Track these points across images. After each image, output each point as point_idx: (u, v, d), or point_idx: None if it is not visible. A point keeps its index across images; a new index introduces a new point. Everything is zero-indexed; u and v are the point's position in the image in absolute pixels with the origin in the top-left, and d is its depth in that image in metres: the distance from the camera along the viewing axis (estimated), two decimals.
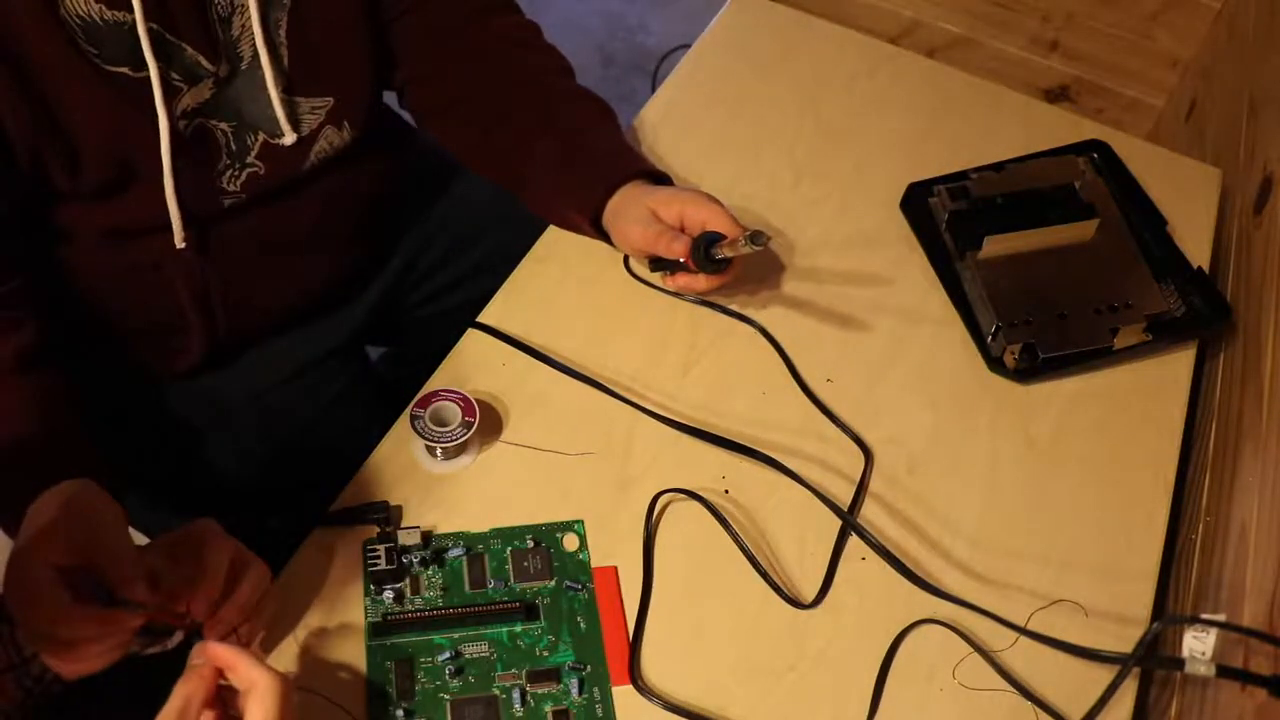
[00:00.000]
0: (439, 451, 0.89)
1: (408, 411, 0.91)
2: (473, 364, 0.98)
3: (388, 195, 1.09)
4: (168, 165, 0.87)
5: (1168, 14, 1.60)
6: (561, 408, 0.95)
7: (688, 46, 1.27)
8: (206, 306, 0.98)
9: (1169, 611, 0.95)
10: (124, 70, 0.84)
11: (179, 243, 0.92)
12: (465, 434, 0.88)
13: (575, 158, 1.01)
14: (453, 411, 0.90)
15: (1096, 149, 1.16)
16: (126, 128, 0.86)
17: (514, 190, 1.05)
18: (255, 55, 0.90)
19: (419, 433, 0.88)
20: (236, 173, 0.93)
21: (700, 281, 0.98)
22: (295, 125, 0.94)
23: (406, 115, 1.15)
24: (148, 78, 0.84)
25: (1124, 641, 0.86)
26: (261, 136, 0.93)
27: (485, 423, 0.91)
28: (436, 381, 0.96)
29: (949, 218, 1.09)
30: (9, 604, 0.69)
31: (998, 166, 1.13)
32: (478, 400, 0.90)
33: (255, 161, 0.93)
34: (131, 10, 0.81)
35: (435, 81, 1.06)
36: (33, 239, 0.90)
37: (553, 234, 1.06)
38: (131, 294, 0.96)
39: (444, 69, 1.05)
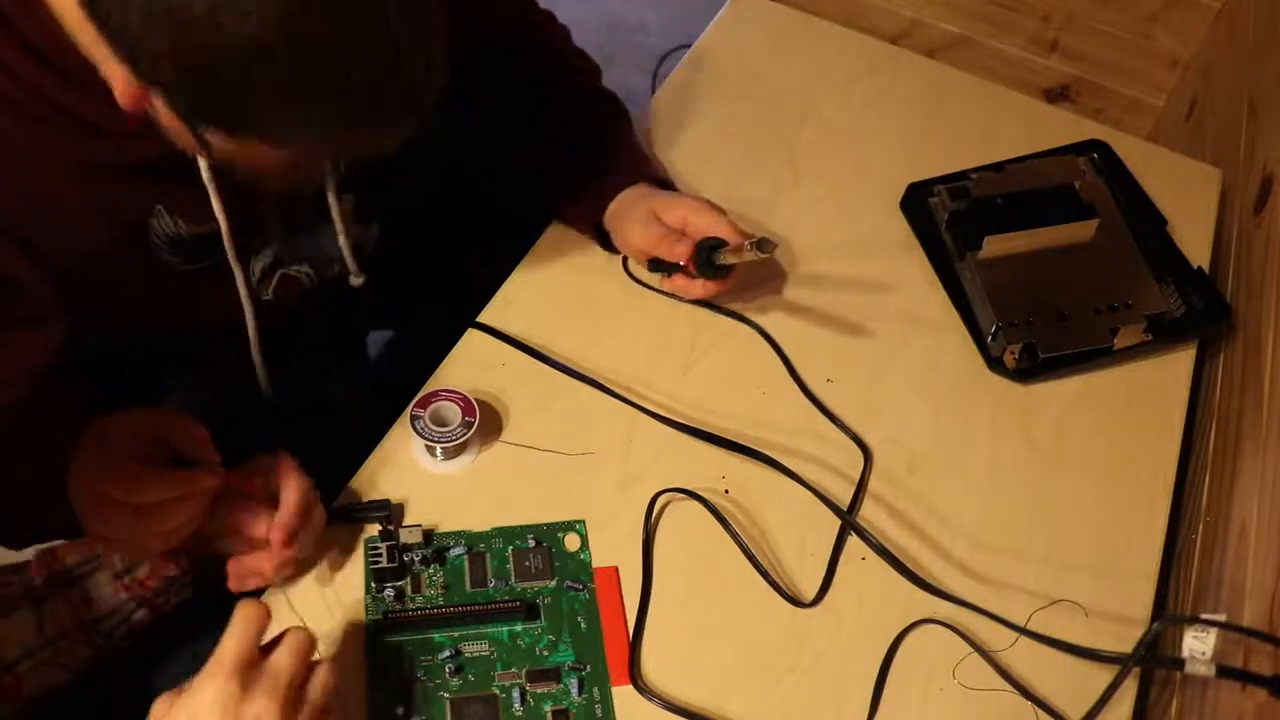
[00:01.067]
0: (439, 451, 0.90)
1: (408, 411, 0.91)
2: (473, 364, 0.98)
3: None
4: (254, 334, 0.89)
5: (1168, 14, 1.60)
6: (561, 408, 0.95)
7: (688, 46, 1.27)
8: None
9: (1169, 611, 0.95)
10: (205, 265, 0.84)
11: (265, 388, 0.95)
12: (465, 434, 0.88)
13: (582, 159, 1.02)
14: (453, 411, 0.90)
15: (1096, 149, 1.16)
16: (206, 306, 0.87)
17: (527, 176, 1.07)
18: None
19: (419, 433, 0.88)
20: (314, 288, 0.95)
21: (696, 287, 0.98)
22: (360, 260, 0.93)
23: None
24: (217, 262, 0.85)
25: (1124, 641, 0.86)
26: (337, 269, 0.93)
27: (485, 423, 0.91)
28: (436, 381, 0.96)
29: (949, 218, 1.09)
30: (84, 486, 0.73)
31: (998, 166, 1.13)
32: (478, 400, 0.90)
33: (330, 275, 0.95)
34: (216, 223, 0.81)
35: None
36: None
37: (553, 234, 1.07)
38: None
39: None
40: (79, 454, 0.74)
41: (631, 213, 0.98)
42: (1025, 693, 0.84)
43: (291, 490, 0.78)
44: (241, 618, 0.66)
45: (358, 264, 0.92)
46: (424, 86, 0.62)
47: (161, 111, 0.64)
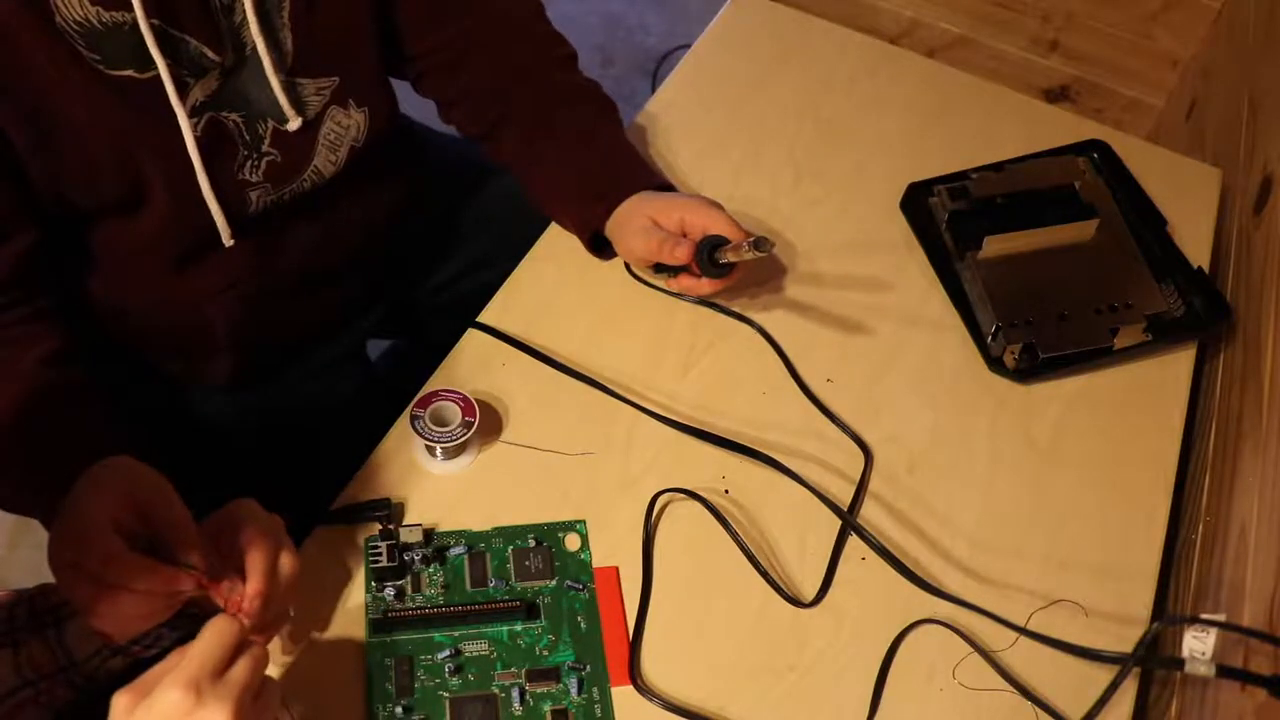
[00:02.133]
0: (439, 451, 0.90)
1: (408, 411, 0.91)
2: (473, 364, 0.98)
3: (409, 216, 1.10)
4: (198, 161, 0.87)
5: (1168, 14, 1.60)
6: (561, 408, 0.95)
7: (688, 46, 1.27)
8: (239, 338, 0.99)
9: (1169, 612, 0.95)
10: (129, 73, 0.82)
11: (226, 240, 0.92)
12: (465, 434, 0.88)
13: (574, 174, 1.02)
14: (453, 411, 0.90)
15: (1096, 149, 1.16)
16: (141, 132, 0.84)
17: (524, 187, 1.06)
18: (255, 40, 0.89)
19: (419, 432, 0.88)
20: (256, 163, 0.92)
21: (704, 285, 0.98)
22: (300, 109, 0.92)
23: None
24: (156, 77, 0.83)
25: (1124, 641, 0.86)
26: (271, 124, 0.92)
27: (485, 423, 0.91)
28: (436, 381, 0.96)
29: (949, 218, 1.09)
30: (60, 547, 0.69)
31: (998, 166, 1.13)
32: (478, 400, 0.90)
33: (270, 150, 0.93)
34: (130, 9, 0.80)
35: (442, 73, 1.06)
36: (64, 260, 0.90)
37: (553, 234, 1.07)
38: (165, 323, 0.97)
39: (451, 60, 1.05)
40: (67, 503, 0.70)
41: (631, 224, 0.98)
42: (1025, 693, 0.84)
43: (256, 567, 0.72)
44: (213, 632, 0.65)
45: (295, 109, 0.91)
46: None
47: None
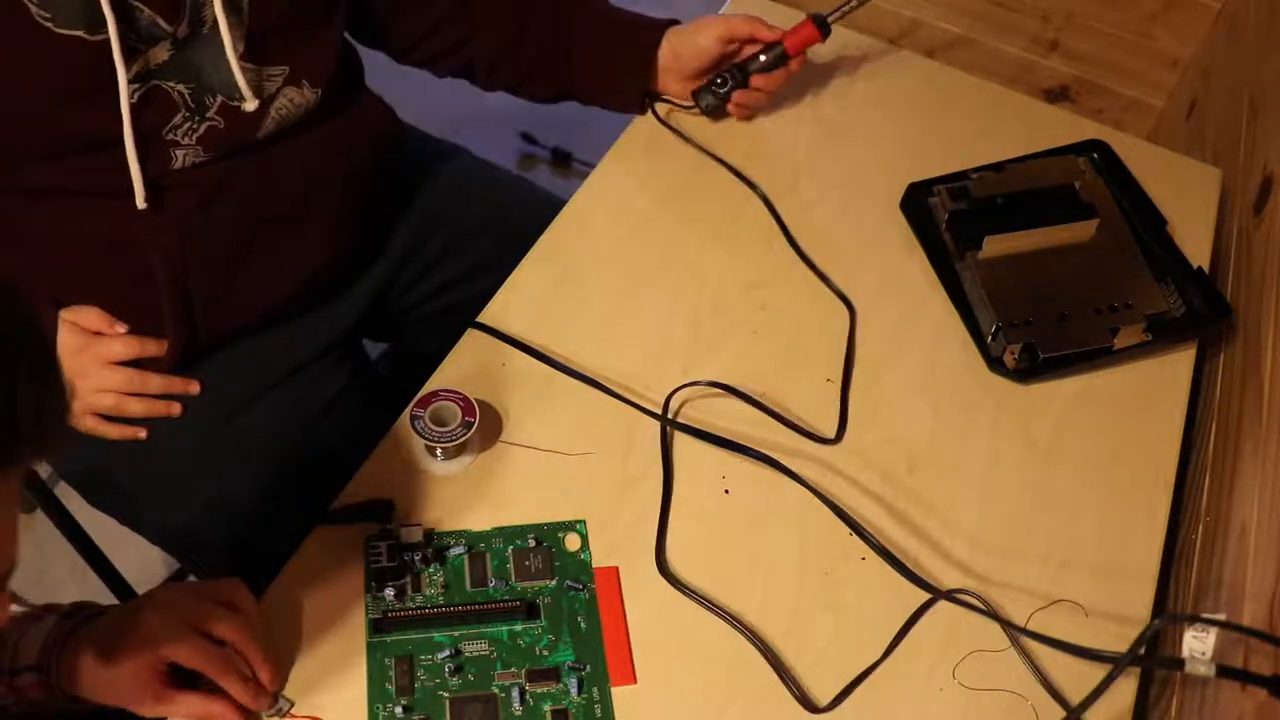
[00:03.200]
0: (439, 452, 0.89)
1: (408, 411, 0.90)
2: (473, 364, 0.98)
3: (369, 175, 1.07)
4: (128, 121, 0.86)
5: (1168, 14, 1.60)
6: (561, 408, 0.95)
7: None
8: (184, 294, 0.96)
9: (1169, 611, 0.95)
10: (79, 33, 0.81)
11: (140, 202, 0.91)
12: (465, 434, 0.88)
13: (613, 33, 1.11)
14: (452, 411, 0.89)
15: (1096, 149, 1.16)
16: (79, 89, 0.84)
17: (559, 87, 1.13)
18: (217, 18, 0.88)
19: (419, 433, 0.88)
20: (194, 126, 0.91)
21: (760, 94, 1.11)
22: (257, 91, 0.92)
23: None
24: (104, 41, 0.82)
25: (1124, 641, 0.85)
26: (220, 99, 0.91)
27: (485, 423, 0.91)
28: (436, 381, 0.96)
29: (949, 218, 1.09)
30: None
31: (998, 166, 1.13)
32: (478, 401, 0.90)
33: (215, 117, 0.92)
34: None
35: (440, 33, 1.10)
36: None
37: (553, 234, 1.07)
38: (105, 277, 0.96)
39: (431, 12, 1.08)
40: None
41: (685, 36, 1.10)
42: (1027, 691, 0.84)
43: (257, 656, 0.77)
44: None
45: (254, 91, 0.92)
46: None
47: None
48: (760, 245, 1.08)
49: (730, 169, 1.13)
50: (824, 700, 0.83)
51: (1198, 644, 0.72)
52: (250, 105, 0.92)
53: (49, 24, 0.80)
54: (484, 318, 1.00)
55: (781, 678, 0.83)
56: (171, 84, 0.89)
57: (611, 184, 1.12)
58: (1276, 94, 1.19)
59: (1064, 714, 0.82)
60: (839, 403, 0.98)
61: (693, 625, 0.85)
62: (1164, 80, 1.67)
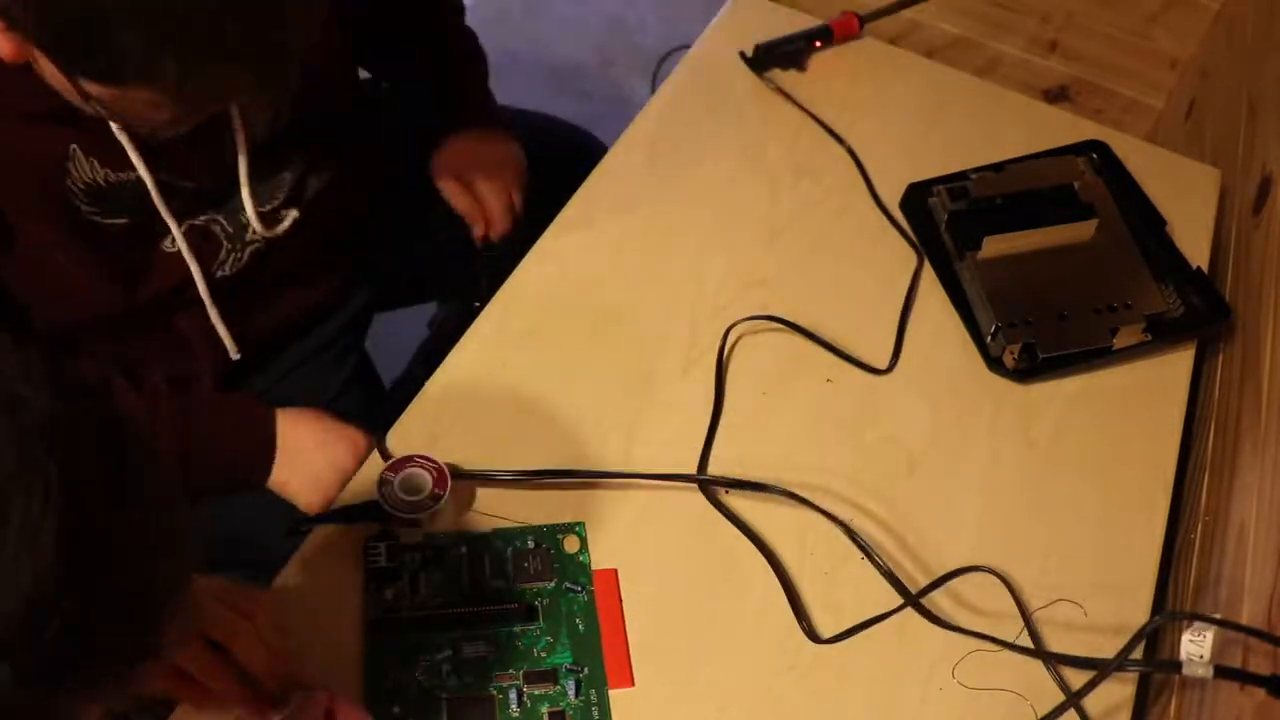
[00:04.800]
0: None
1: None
2: (473, 364, 0.97)
3: (379, 206, 1.10)
4: (206, 296, 0.92)
5: (1167, 14, 1.60)
6: (561, 408, 0.95)
7: (688, 47, 1.27)
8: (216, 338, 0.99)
9: (1168, 610, 0.95)
10: (122, 220, 0.85)
11: (233, 354, 0.97)
12: (433, 507, 0.84)
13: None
14: (423, 480, 0.85)
15: (1096, 149, 1.16)
16: (138, 267, 0.88)
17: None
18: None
19: (384, 499, 0.84)
20: (239, 255, 0.95)
21: None
22: (272, 222, 0.95)
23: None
24: (147, 220, 0.86)
25: (1123, 641, 0.85)
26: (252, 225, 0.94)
27: (459, 491, 0.89)
28: (437, 381, 0.96)
29: (949, 218, 1.09)
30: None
31: (997, 166, 1.13)
32: (450, 467, 0.87)
33: (254, 239, 0.95)
34: (134, 169, 0.82)
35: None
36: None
37: (553, 233, 1.07)
38: (145, 342, 0.98)
39: None
40: None
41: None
42: (1026, 691, 0.83)
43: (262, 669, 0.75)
44: None
45: (266, 225, 0.94)
46: (269, 23, 0.64)
47: (42, 63, 0.67)
48: (762, 243, 1.08)
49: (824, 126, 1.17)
50: (824, 698, 0.83)
51: (1195, 647, 0.72)
52: (285, 224, 0.96)
53: (95, 218, 0.84)
54: (484, 317, 1.00)
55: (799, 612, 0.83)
56: (204, 219, 0.92)
57: (612, 182, 1.12)
58: (1275, 94, 1.19)
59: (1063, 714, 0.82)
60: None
61: (692, 628, 0.85)
62: (1163, 80, 1.67)
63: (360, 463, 0.90)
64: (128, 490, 0.47)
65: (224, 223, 0.92)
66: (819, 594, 0.88)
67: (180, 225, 0.88)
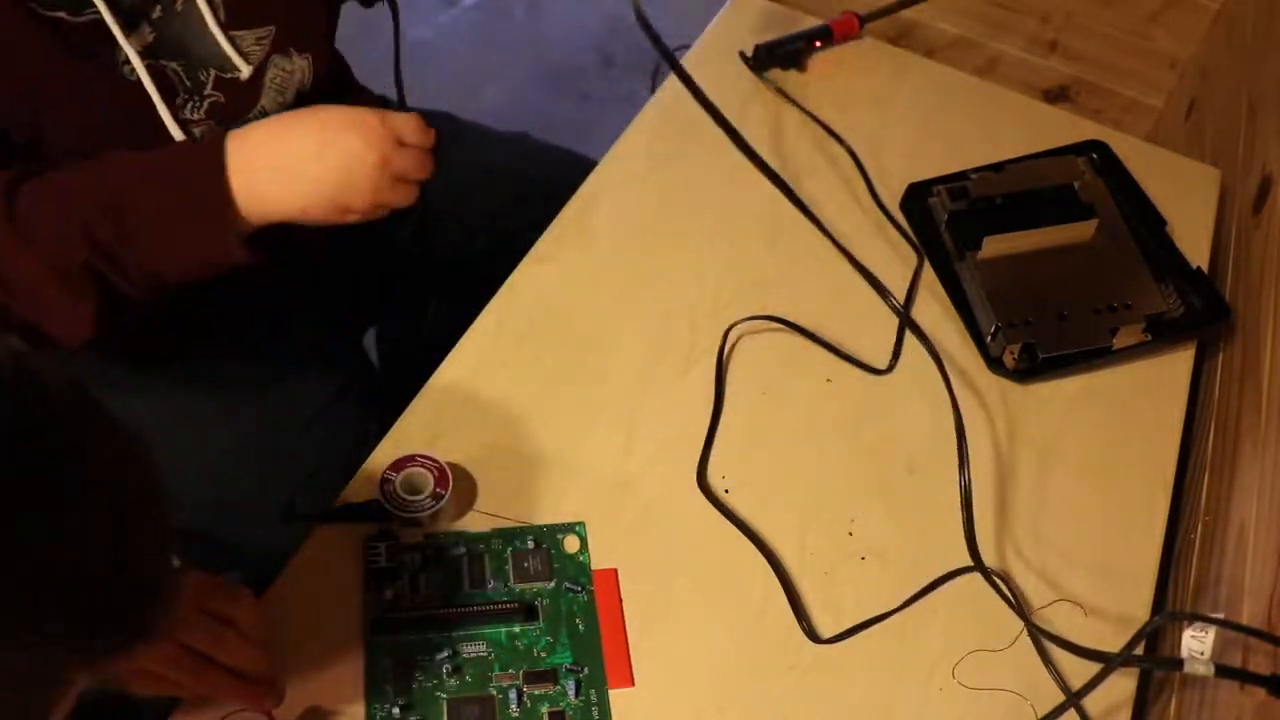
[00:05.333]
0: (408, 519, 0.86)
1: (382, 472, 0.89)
2: (473, 365, 0.98)
3: None
4: (158, 99, 0.84)
5: (1167, 14, 1.60)
6: (561, 409, 0.95)
7: (688, 47, 1.27)
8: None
9: (1168, 610, 0.95)
10: (60, 14, 0.80)
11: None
12: (434, 506, 0.84)
13: None
14: (425, 480, 0.85)
15: (1096, 149, 1.16)
16: (88, 74, 0.83)
17: None
18: None
19: (385, 498, 0.84)
20: (197, 104, 0.90)
21: None
22: (245, 57, 0.91)
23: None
24: (90, 22, 0.81)
25: (1123, 641, 0.85)
26: (213, 72, 0.90)
27: (460, 489, 0.88)
28: (437, 381, 0.96)
29: (949, 218, 1.09)
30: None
31: (998, 166, 1.13)
32: (452, 466, 0.87)
33: (213, 92, 0.91)
34: None
35: None
36: None
37: (553, 234, 1.07)
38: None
39: None
40: None
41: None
42: (1026, 691, 0.84)
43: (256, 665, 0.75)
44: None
45: (242, 58, 0.90)
46: None
47: None
48: (762, 243, 1.08)
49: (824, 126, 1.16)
50: (824, 698, 0.83)
51: (1196, 644, 0.72)
52: (245, 72, 0.91)
53: (34, 5, 0.78)
54: (485, 317, 1.00)
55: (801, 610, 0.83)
56: (165, 61, 0.87)
57: (612, 182, 1.12)
58: (1275, 94, 1.19)
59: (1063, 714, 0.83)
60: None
61: (692, 628, 0.85)
62: (1163, 80, 1.67)
63: (380, 148, 0.81)
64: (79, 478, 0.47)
65: (179, 71, 0.88)
66: (819, 594, 0.88)
67: (131, 40, 0.83)
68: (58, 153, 0.83)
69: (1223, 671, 0.72)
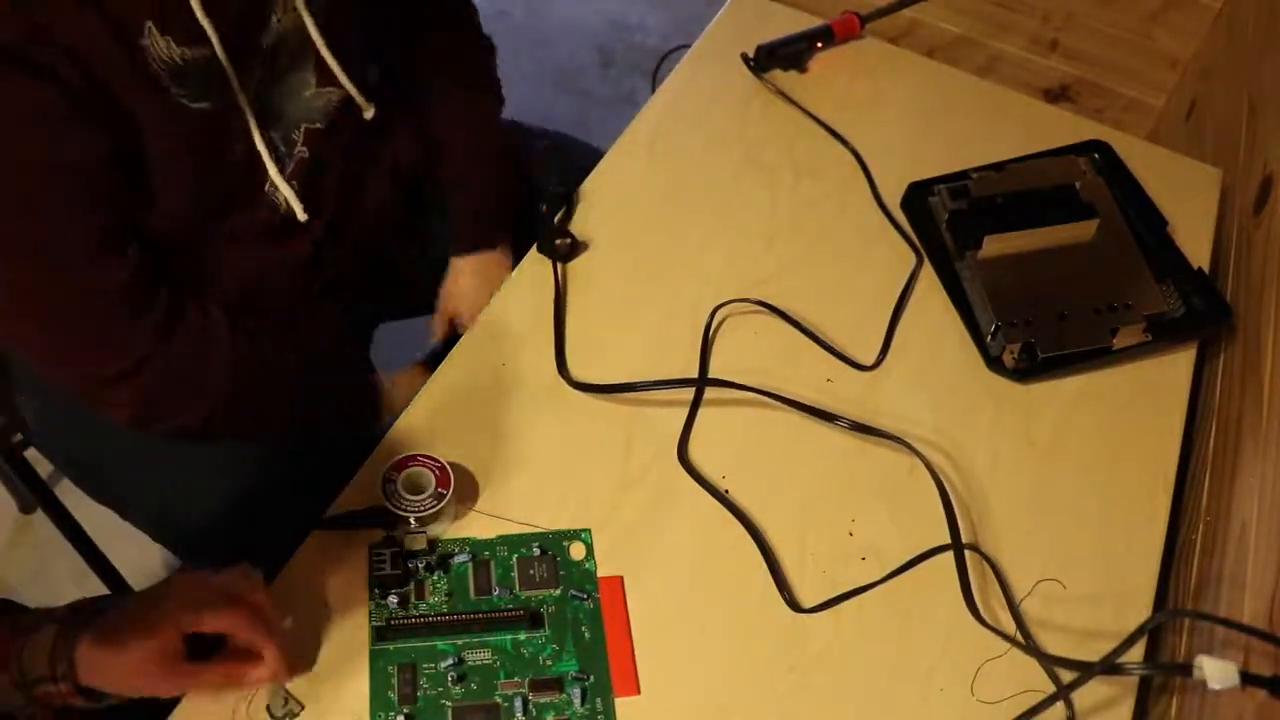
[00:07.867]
0: (412, 520, 0.86)
1: (384, 468, 0.89)
2: (473, 364, 0.98)
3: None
4: (278, 178, 0.93)
5: (1167, 14, 1.60)
6: (561, 408, 0.95)
7: (688, 46, 1.27)
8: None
9: (1169, 609, 0.95)
10: (204, 106, 0.85)
11: (300, 215, 0.97)
12: (436, 505, 0.85)
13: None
14: (427, 479, 0.86)
15: (1097, 149, 1.16)
16: (203, 159, 0.88)
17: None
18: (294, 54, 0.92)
19: (387, 498, 0.85)
20: (288, 161, 0.96)
21: None
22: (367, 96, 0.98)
23: None
24: (226, 107, 0.87)
25: (1123, 640, 0.86)
26: (304, 126, 0.95)
27: (461, 488, 0.89)
28: (437, 381, 0.96)
29: (949, 217, 1.09)
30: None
31: (998, 166, 1.13)
32: (453, 465, 0.87)
33: (301, 149, 0.96)
34: (209, 44, 0.83)
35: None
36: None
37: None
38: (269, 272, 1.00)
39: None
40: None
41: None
42: (1029, 687, 0.84)
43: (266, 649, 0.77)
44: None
45: (365, 98, 0.98)
46: None
47: None
48: (763, 243, 1.08)
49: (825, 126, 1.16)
50: (824, 699, 0.83)
51: (1215, 669, 0.71)
52: (369, 112, 0.99)
53: (184, 100, 0.84)
54: (484, 317, 1.01)
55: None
56: (271, 133, 0.93)
57: (612, 181, 1.12)
58: (1276, 94, 1.19)
59: (1064, 715, 0.83)
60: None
61: (697, 635, 0.85)
62: (1164, 80, 1.67)
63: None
64: None
65: (275, 137, 0.94)
66: (820, 594, 0.88)
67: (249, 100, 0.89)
68: (167, 226, 0.89)
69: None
